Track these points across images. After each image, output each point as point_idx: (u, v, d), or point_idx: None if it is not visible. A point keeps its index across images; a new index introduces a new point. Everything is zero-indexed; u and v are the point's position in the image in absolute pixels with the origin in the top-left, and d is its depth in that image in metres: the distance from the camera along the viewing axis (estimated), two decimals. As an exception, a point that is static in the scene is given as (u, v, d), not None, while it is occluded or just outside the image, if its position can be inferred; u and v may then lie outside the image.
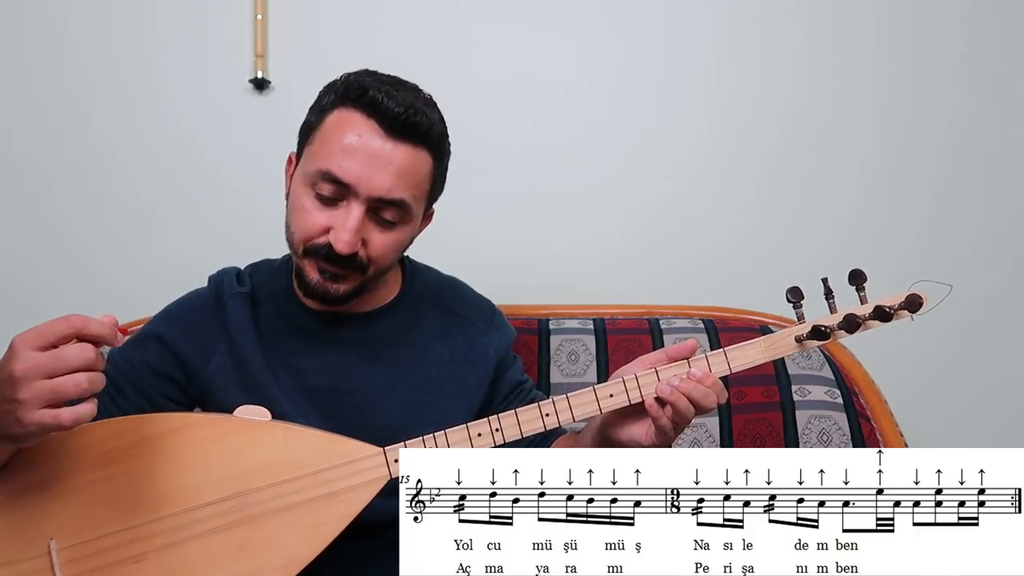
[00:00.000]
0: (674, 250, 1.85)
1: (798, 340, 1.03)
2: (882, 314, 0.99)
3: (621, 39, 1.85)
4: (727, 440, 1.46)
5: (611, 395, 1.04)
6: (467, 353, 1.27)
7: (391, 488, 1.03)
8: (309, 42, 1.79)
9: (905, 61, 1.87)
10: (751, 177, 1.86)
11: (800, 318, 1.03)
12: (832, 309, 1.02)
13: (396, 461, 1.02)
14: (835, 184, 1.87)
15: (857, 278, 1.00)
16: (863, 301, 1.01)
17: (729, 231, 1.86)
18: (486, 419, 1.04)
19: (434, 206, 1.25)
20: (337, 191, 1.11)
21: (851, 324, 1.00)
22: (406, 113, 1.09)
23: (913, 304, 0.99)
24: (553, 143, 1.83)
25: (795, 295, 1.02)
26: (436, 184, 1.19)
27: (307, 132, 1.16)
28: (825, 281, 1.01)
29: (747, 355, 1.04)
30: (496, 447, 1.03)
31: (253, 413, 1.05)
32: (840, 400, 1.49)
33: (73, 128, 1.78)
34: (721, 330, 1.56)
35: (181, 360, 1.23)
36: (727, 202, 1.86)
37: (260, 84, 1.77)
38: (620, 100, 1.84)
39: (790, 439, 1.46)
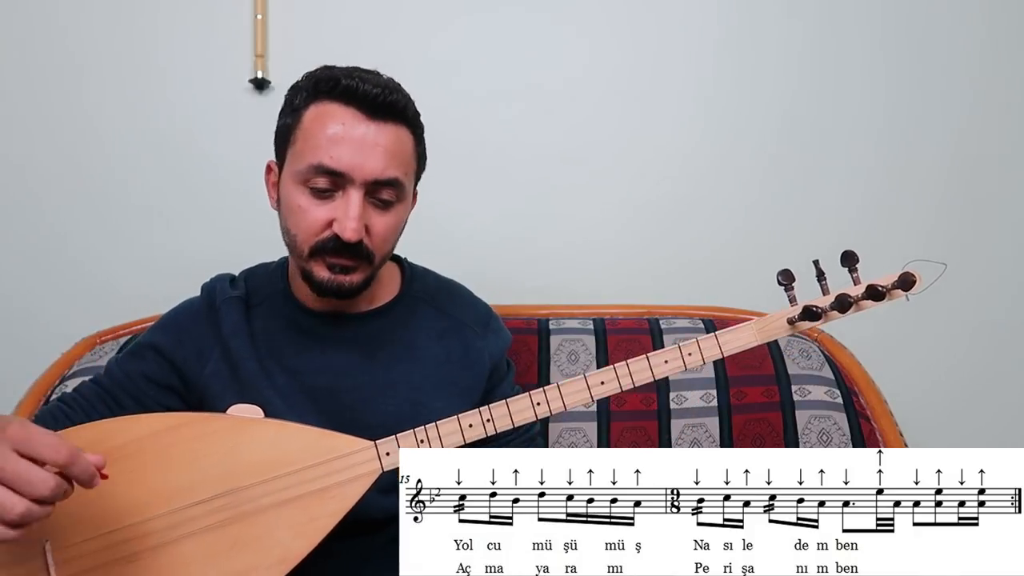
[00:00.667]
0: (674, 250, 1.84)
1: (790, 322, 1.01)
2: (875, 293, 0.97)
3: (622, 37, 1.84)
4: (727, 440, 1.46)
5: (602, 382, 1.02)
6: (463, 356, 1.27)
7: (390, 485, 1.03)
8: (309, 42, 1.78)
9: (904, 59, 1.87)
10: (751, 176, 1.86)
11: (792, 300, 1.01)
12: (824, 291, 1.01)
13: (388, 454, 1.02)
14: (836, 183, 1.87)
15: (849, 259, 0.98)
16: (856, 282, 0.99)
17: (729, 231, 1.85)
18: (476, 410, 1.03)
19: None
20: (332, 182, 1.11)
21: (843, 304, 0.98)
22: (383, 94, 1.11)
23: (906, 283, 0.97)
24: (553, 143, 1.83)
25: (786, 278, 1.01)
26: (420, 161, 1.21)
27: (285, 134, 1.16)
28: (816, 263, 1.00)
29: (739, 338, 1.02)
30: (488, 438, 1.03)
31: (245, 411, 1.05)
32: (840, 400, 1.49)
33: (73, 128, 1.78)
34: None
35: (177, 368, 1.23)
36: (727, 202, 1.86)
37: (260, 84, 1.77)
38: (620, 99, 1.84)
39: (790, 439, 1.45)
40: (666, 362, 1.02)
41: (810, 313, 0.99)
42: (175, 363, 1.23)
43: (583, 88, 1.84)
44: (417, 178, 1.23)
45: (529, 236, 1.83)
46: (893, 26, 1.86)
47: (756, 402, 1.49)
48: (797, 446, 1.45)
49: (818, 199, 1.86)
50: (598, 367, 1.52)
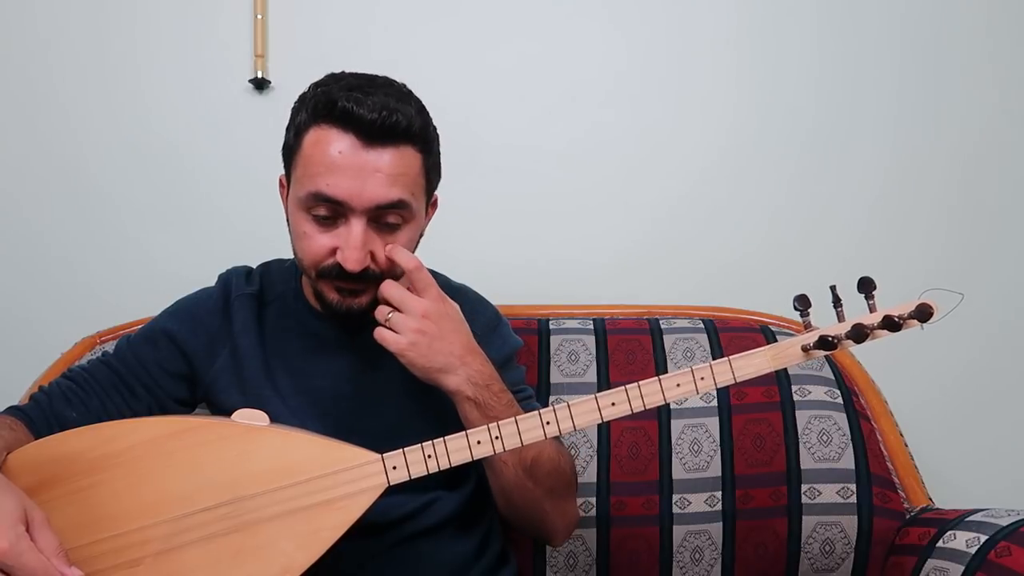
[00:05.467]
0: (674, 250, 1.84)
1: (804, 349, 1.01)
2: (891, 324, 0.97)
3: (624, 38, 1.84)
4: (727, 439, 1.46)
5: (613, 403, 1.02)
6: None
7: (391, 489, 1.03)
8: (309, 42, 1.78)
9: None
10: (753, 177, 1.85)
11: (807, 326, 1.01)
12: (840, 318, 1.00)
13: (395, 468, 1.01)
14: (839, 186, 1.86)
15: (866, 286, 0.98)
16: (872, 310, 0.99)
17: (729, 230, 1.85)
18: (485, 427, 1.03)
19: (437, 194, 1.24)
20: (333, 209, 1.10)
21: (859, 334, 0.98)
22: (381, 118, 1.07)
23: (923, 313, 0.97)
24: (554, 143, 1.83)
25: (802, 303, 1.00)
26: (431, 174, 1.18)
27: (289, 155, 1.15)
28: (833, 289, 1.00)
29: (753, 364, 1.01)
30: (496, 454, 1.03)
31: (251, 417, 1.04)
32: (840, 400, 1.49)
33: (71, 129, 1.77)
34: (721, 330, 1.56)
35: (188, 357, 1.23)
36: (728, 201, 1.85)
37: (260, 84, 1.76)
38: (621, 100, 1.84)
39: (790, 439, 1.45)
40: (678, 386, 1.01)
41: (825, 343, 0.99)
42: (186, 352, 1.23)
43: (584, 88, 1.83)
44: (432, 190, 1.20)
45: (530, 236, 1.83)
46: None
47: (756, 402, 1.49)
48: (797, 446, 1.45)
49: (820, 199, 1.86)
50: (598, 367, 1.52)
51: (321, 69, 1.18)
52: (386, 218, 1.11)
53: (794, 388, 1.50)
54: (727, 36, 1.85)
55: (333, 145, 1.08)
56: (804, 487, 1.43)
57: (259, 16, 1.75)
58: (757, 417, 1.48)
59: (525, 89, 1.82)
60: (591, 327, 1.58)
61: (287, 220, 1.19)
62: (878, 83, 1.86)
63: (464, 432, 1.03)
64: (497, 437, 1.02)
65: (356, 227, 1.09)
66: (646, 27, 1.84)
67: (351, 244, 1.09)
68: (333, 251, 1.11)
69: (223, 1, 1.77)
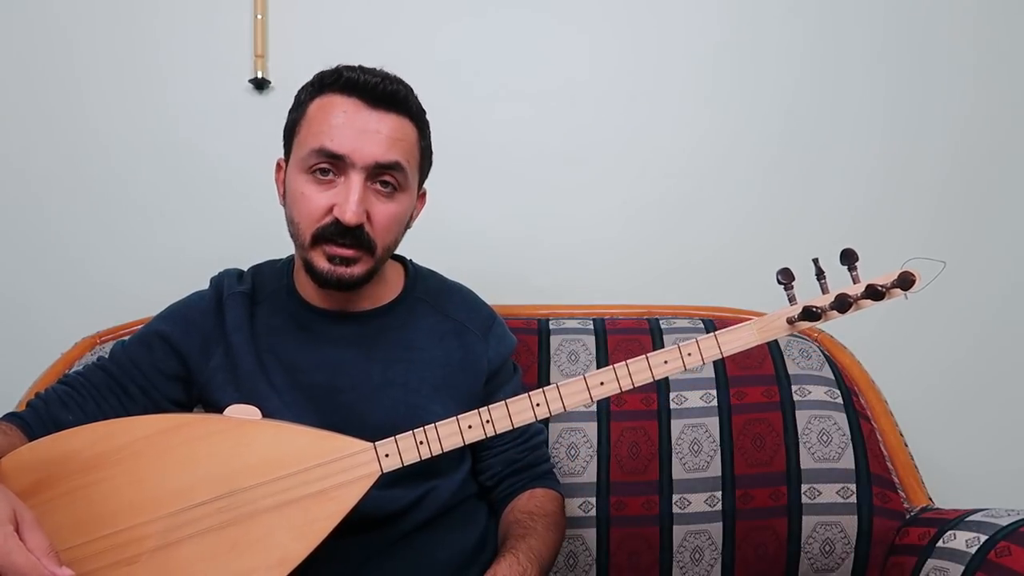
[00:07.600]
0: (674, 250, 1.84)
1: (790, 321, 1.01)
2: (874, 293, 0.98)
3: (623, 38, 1.84)
4: (727, 439, 1.46)
5: (601, 383, 1.02)
6: (462, 360, 1.27)
7: (389, 482, 1.03)
8: (309, 42, 1.78)
9: (904, 58, 1.86)
10: (752, 176, 1.85)
11: (792, 300, 1.01)
12: (824, 289, 1.01)
13: (387, 456, 1.02)
14: (837, 183, 1.86)
15: (849, 258, 0.98)
16: (855, 281, 0.99)
17: (730, 230, 1.85)
18: (476, 411, 1.03)
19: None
20: (333, 165, 1.14)
21: (843, 304, 0.98)
22: (383, 83, 1.14)
23: (906, 282, 0.97)
24: (554, 142, 1.83)
25: (786, 276, 1.01)
26: (424, 157, 1.22)
27: (291, 128, 1.20)
28: (816, 262, 1.00)
29: (739, 338, 1.01)
30: (491, 444, 1.03)
31: (243, 412, 1.05)
32: (840, 400, 1.49)
33: (72, 128, 1.77)
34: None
35: (183, 358, 1.24)
36: (727, 201, 1.85)
37: (260, 84, 1.76)
38: (621, 99, 1.84)
39: (790, 439, 1.45)
40: (665, 362, 1.02)
41: (810, 313, 0.99)
42: (181, 353, 1.24)
43: (584, 88, 1.83)
44: (423, 174, 1.24)
45: (529, 236, 1.83)
46: (893, 25, 1.86)
47: (756, 402, 1.49)
48: (797, 446, 1.45)
49: (819, 199, 1.86)
50: (598, 367, 1.51)
51: (321, 69, 1.19)
52: (383, 177, 1.15)
53: (794, 388, 1.50)
54: (726, 36, 1.85)
55: (338, 107, 1.14)
56: (804, 487, 1.43)
57: (259, 16, 1.75)
58: (757, 417, 1.48)
59: (525, 90, 1.82)
60: (591, 327, 1.58)
61: (283, 201, 1.22)
62: (880, 83, 1.86)
63: (455, 417, 1.03)
64: (488, 421, 1.03)
65: (355, 181, 1.13)
66: (647, 28, 1.84)
67: (350, 198, 1.12)
68: (329, 210, 1.14)
69: (223, 1, 1.77)
